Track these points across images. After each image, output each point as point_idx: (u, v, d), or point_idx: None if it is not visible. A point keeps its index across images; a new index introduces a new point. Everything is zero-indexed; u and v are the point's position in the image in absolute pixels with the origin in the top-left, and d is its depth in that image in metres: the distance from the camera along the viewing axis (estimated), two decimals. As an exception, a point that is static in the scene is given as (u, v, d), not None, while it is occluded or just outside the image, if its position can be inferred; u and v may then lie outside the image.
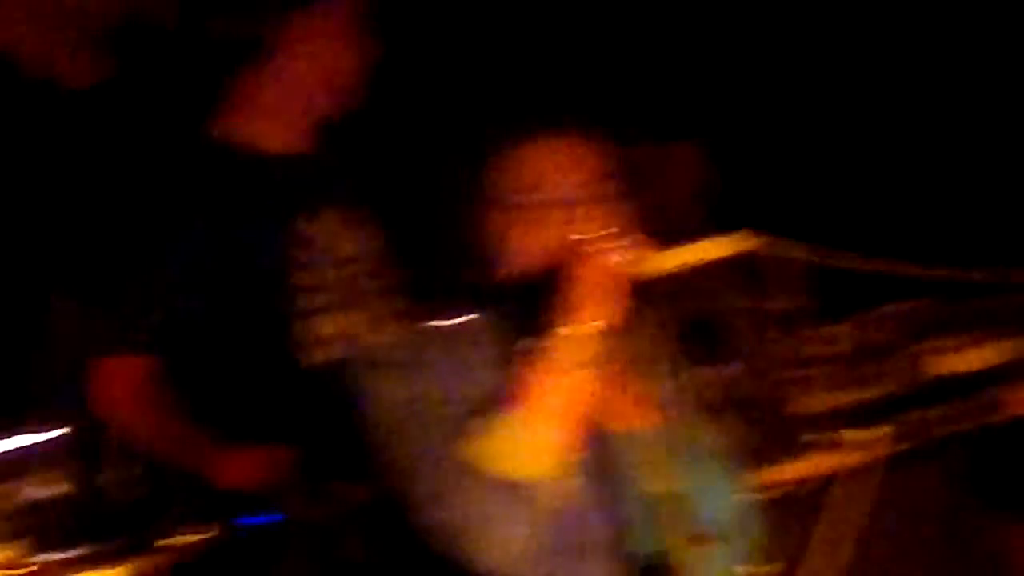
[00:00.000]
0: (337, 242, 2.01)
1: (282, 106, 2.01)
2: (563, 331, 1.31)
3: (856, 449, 1.75)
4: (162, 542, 1.77)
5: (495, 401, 1.32)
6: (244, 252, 1.94)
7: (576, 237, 1.35)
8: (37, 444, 1.85)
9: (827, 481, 1.78)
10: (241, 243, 1.94)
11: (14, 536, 1.76)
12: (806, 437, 1.75)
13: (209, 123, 2.03)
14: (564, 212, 1.39)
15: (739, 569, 1.42)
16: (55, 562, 1.74)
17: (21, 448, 1.83)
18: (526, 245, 1.41)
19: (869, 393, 1.76)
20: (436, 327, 1.44)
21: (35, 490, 1.81)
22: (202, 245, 1.92)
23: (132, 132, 2.35)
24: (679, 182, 2.50)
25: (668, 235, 1.44)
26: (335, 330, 1.96)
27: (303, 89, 2.01)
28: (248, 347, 1.94)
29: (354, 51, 2.02)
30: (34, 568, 1.74)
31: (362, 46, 2.03)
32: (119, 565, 1.73)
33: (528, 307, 1.36)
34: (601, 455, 1.38)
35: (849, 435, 1.76)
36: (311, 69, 1.99)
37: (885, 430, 1.73)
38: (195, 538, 1.78)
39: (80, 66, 2.44)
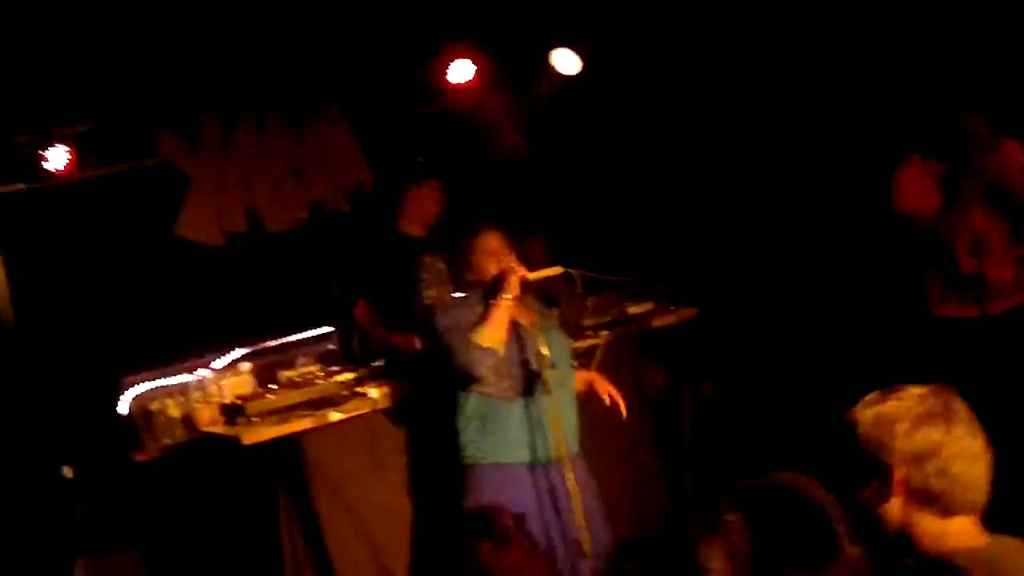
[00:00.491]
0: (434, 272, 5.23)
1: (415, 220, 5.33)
2: (502, 297, 4.43)
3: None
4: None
5: (480, 323, 4.45)
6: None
7: (505, 266, 4.48)
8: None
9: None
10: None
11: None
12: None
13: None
14: (499, 259, 4.51)
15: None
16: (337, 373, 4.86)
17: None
18: (486, 268, 4.52)
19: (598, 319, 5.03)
20: (458, 298, 4.57)
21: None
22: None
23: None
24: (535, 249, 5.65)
25: (531, 266, 4.59)
26: (431, 303, 5.10)
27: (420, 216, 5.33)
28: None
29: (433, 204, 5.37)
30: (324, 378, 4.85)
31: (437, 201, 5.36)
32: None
33: (489, 290, 4.48)
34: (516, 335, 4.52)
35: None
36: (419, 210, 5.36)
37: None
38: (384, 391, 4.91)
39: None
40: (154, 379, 5.33)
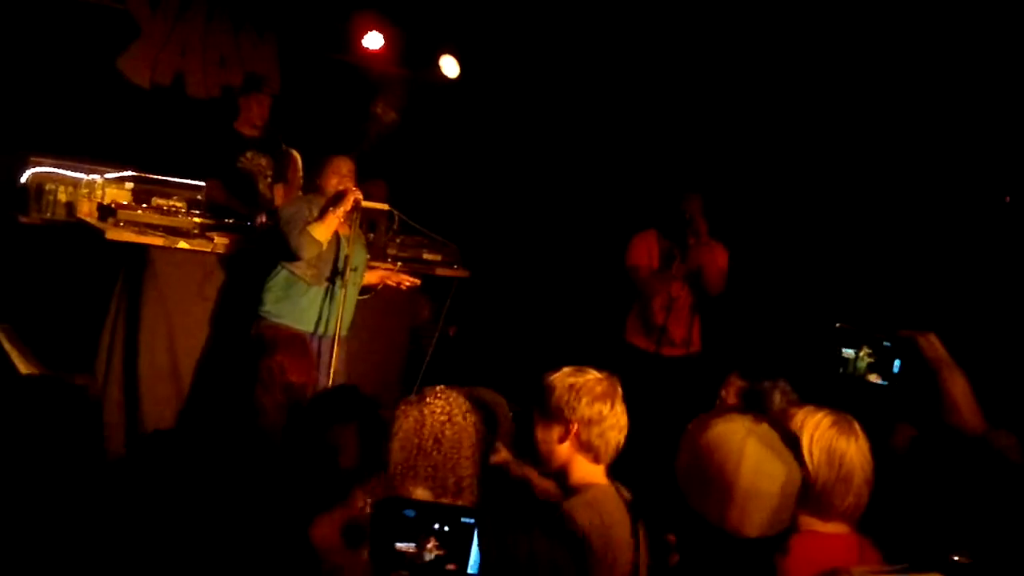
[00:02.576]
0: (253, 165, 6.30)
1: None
2: (339, 207, 5.63)
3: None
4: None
5: (316, 221, 5.38)
6: None
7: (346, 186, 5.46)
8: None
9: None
10: None
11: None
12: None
13: None
14: (343, 180, 5.45)
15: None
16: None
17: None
18: (332, 183, 5.36)
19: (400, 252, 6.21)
20: (302, 197, 5.58)
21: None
22: None
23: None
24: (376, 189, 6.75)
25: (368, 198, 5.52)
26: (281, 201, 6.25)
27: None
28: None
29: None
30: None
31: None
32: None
33: (331, 200, 5.36)
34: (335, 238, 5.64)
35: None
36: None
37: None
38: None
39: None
40: (56, 167, 6.10)
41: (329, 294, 5.27)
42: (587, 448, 2.94)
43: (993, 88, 5.19)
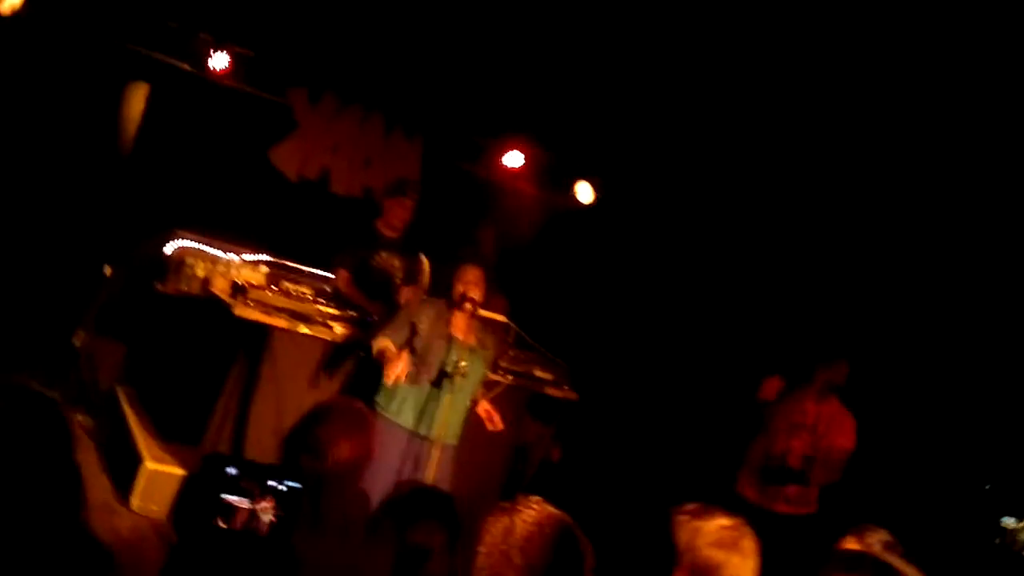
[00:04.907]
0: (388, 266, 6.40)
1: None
2: (455, 309, 5.65)
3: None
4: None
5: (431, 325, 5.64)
6: None
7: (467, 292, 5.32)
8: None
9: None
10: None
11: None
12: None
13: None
14: (466, 286, 5.36)
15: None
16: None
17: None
18: (456, 287, 5.57)
19: (512, 366, 6.20)
20: (425, 301, 5.66)
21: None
22: None
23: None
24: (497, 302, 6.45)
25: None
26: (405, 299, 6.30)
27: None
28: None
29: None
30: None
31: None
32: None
33: (451, 302, 5.52)
34: (450, 342, 5.72)
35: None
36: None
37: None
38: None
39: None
40: (198, 241, 6.27)
41: (438, 396, 5.11)
42: None
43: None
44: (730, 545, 2.76)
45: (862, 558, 2.94)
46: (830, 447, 5.65)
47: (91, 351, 6.29)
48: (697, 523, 2.80)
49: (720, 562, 2.71)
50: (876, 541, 3.33)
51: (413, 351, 5.07)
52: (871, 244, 6.35)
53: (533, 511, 2.72)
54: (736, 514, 2.80)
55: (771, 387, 5.78)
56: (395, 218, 6.23)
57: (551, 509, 2.75)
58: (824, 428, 5.69)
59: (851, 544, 3.36)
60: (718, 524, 2.79)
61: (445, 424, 5.06)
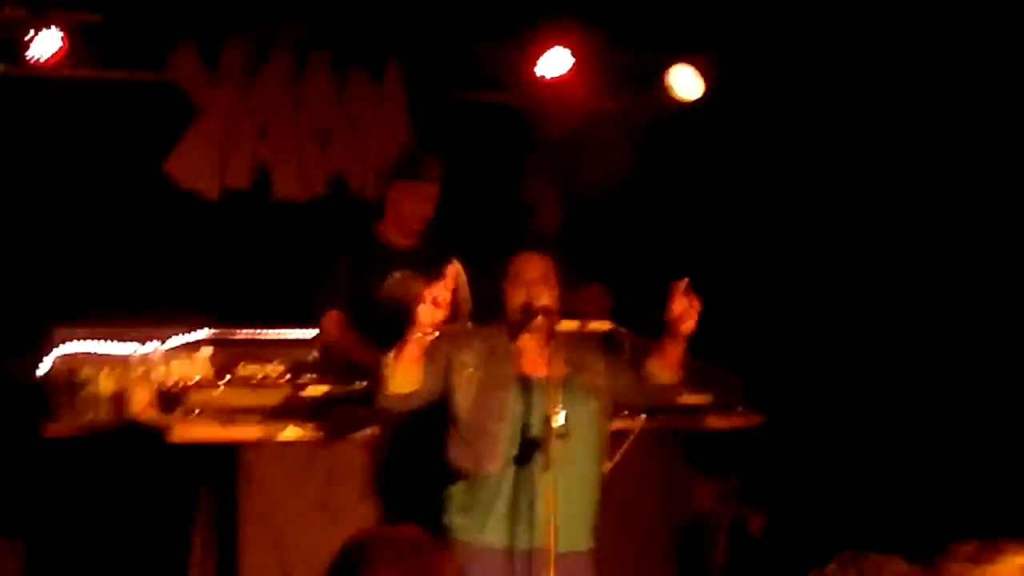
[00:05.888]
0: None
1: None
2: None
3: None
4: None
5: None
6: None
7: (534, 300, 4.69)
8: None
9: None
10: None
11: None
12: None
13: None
14: (530, 290, 4.70)
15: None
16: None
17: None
18: (513, 300, 4.74)
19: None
20: (466, 331, 4.92)
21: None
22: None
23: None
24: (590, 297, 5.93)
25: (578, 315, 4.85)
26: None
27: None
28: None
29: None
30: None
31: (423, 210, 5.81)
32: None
33: (513, 327, 4.70)
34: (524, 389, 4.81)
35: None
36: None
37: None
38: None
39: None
40: (92, 339, 5.80)
41: (529, 483, 4.66)
42: None
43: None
44: None
45: None
46: None
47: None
48: (983, 569, 2.90)
49: None
50: None
51: (455, 423, 4.74)
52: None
53: None
54: None
55: None
56: (409, 216, 5.89)
57: None
58: None
59: None
60: (1017, 565, 2.90)
61: (553, 524, 4.45)
